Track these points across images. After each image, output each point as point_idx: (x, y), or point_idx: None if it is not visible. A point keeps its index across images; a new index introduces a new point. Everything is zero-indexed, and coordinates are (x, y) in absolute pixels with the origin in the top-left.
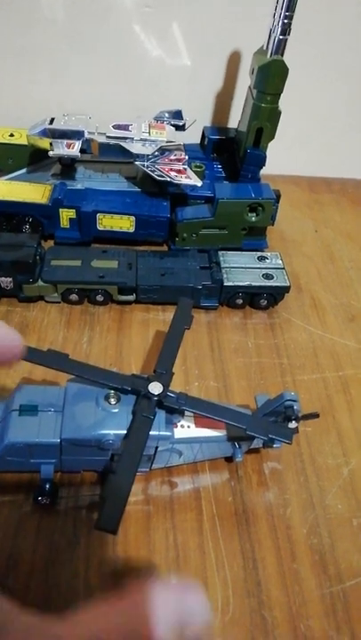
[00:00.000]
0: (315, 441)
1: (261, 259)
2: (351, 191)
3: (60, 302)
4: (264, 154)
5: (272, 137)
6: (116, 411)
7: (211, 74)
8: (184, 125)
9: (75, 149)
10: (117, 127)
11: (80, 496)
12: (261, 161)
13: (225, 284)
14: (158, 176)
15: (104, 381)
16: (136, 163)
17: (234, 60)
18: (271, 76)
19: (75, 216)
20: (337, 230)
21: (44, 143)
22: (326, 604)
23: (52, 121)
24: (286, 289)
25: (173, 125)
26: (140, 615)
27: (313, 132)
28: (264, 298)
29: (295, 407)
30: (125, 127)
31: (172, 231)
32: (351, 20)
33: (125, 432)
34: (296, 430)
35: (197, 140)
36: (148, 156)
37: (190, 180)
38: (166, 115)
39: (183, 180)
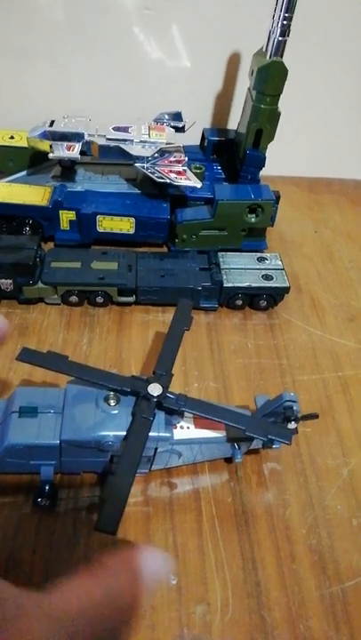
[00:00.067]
0: (314, 441)
1: (261, 260)
2: (351, 191)
3: (59, 304)
4: (263, 155)
5: (271, 138)
6: (116, 412)
7: (210, 75)
8: (184, 127)
9: (75, 151)
10: (117, 129)
11: (80, 497)
12: (261, 162)
13: (225, 285)
14: (158, 178)
15: (103, 383)
16: (136, 165)
17: (233, 62)
18: (270, 78)
19: (75, 218)
20: (337, 231)
21: (44, 145)
22: (326, 605)
23: (51, 123)
24: (286, 290)
25: (173, 127)
26: (123, 580)
27: (312, 132)
28: (264, 299)
29: (295, 408)
30: (125, 129)
31: (172, 232)
32: (351, 19)
33: (125, 433)
34: (296, 431)
35: (197, 142)
36: (147, 157)
37: (190, 181)
38: (166, 116)
39: (183, 182)
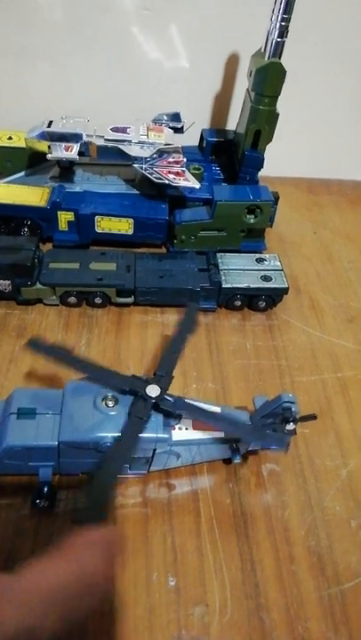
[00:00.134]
0: (313, 443)
1: (260, 260)
2: (350, 192)
3: (58, 305)
4: (262, 156)
5: (270, 139)
6: (114, 413)
7: (209, 76)
8: (182, 128)
9: (73, 152)
10: (116, 130)
11: (78, 498)
12: (259, 163)
13: (223, 285)
14: (157, 178)
15: (104, 379)
16: (134, 165)
17: (232, 63)
18: (269, 79)
19: (73, 219)
20: (336, 231)
21: (42, 146)
22: (324, 606)
23: (50, 124)
24: (285, 290)
25: (172, 128)
26: (89, 559)
27: (312, 133)
28: (262, 299)
29: (293, 409)
30: (124, 130)
31: (171, 233)
32: (351, 19)
33: None
34: (294, 432)
35: (196, 143)
36: (146, 158)
37: (188, 182)
38: (165, 117)
39: (181, 183)
